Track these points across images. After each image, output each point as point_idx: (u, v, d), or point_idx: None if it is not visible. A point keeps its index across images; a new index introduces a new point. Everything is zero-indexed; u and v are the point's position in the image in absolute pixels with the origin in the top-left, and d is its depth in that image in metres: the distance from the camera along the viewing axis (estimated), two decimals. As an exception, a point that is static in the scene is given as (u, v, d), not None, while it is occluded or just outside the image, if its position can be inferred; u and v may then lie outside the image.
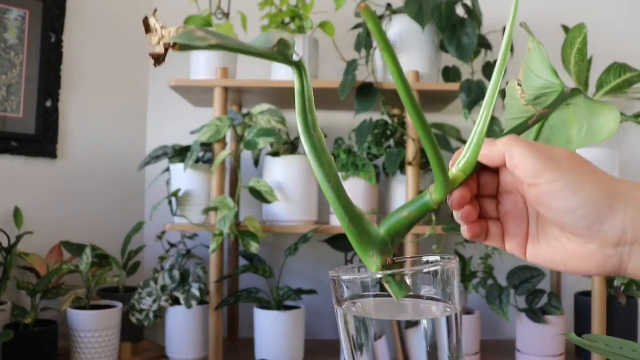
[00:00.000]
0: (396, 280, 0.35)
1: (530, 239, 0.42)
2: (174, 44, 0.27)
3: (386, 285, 0.35)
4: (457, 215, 0.41)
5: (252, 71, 1.85)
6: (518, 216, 0.42)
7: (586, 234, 0.37)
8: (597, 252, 0.37)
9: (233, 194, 1.70)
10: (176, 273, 1.59)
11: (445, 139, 1.66)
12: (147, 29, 0.26)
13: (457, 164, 0.39)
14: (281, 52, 0.34)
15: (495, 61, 1.66)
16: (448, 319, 0.36)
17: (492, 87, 0.38)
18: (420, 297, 0.37)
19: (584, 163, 0.38)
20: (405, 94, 0.32)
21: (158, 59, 0.26)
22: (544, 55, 0.43)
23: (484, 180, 0.42)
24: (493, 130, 1.65)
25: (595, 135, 0.43)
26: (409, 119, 1.58)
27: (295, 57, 0.35)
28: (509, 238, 0.42)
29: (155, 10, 0.27)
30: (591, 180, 0.36)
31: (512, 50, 1.70)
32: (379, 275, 0.36)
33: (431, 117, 1.88)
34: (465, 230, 0.41)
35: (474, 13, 1.60)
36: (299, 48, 1.60)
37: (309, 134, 0.36)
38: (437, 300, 0.36)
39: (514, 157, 0.38)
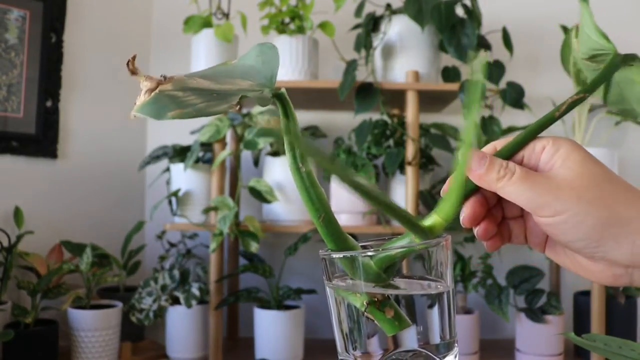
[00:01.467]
0: (386, 318, 0.33)
1: (548, 243, 0.41)
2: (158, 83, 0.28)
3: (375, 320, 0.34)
4: (474, 231, 0.39)
5: (252, 71, 1.85)
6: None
7: (591, 259, 0.36)
8: (607, 271, 0.36)
9: (233, 193, 1.70)
10: (176, 273, 1.59)
11: (445, 139, 1.66)
12: (133, 72, 0.26)
13: (437, 208, 0.37)
14: (259, 99, 0.34)
15: (495, 61, 1.67)
16: (439, 295, 0.35)
17: (469, 128, 0.35)
18: (411, 277, 0.36)
19: (590, 188, 0.35)
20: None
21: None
22: (592, 20, 0.42)
23: None
24: (493, 130, 1.65)
25: None
26: (409, 119, 1.58)
27: (267, 95, 0.34)
28: (530, 237, 0.41)
29: (134, 57, 0.27)
30: (595, 212, 0.34)
31: (511, 50, 1.70)
32: (363, 309, 0.34)
33: (431, 118, 1.89)
34: (486, 246, 0.40)
35: (473, 13, 1.60)
36: (299, 48, 1.60)
37: (297, 170, 0.35)
38: (429, 279, 0.36)
39: (509, 195, 0.36)
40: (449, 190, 0.36)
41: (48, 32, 1.66)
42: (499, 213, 0.41)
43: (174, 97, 0.28)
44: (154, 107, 0.27)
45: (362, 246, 0.37)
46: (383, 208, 0.34)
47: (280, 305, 1.58)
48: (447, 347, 0.35)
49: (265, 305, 1.58)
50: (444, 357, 0.35)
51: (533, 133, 0.38)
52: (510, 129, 1.74)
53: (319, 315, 1.85)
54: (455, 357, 0.36)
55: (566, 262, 0.39)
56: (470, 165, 0.37)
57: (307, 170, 0.35)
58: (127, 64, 0.25)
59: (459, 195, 0.36)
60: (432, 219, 0.36)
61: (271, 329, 1.54)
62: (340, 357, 0.37)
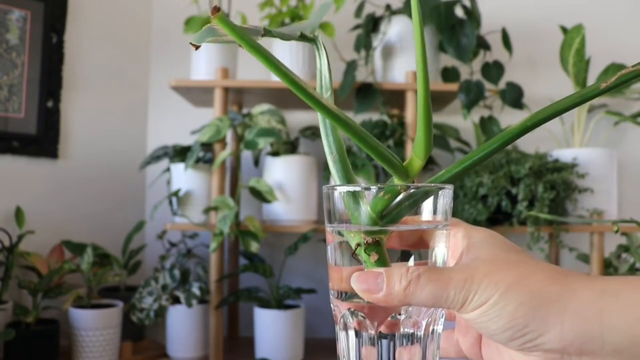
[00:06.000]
0: (370, 261, 0.34)
1: (483, 344, 0.38)
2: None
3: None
4: None
5: (252, 72, 1.86)
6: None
7: (522, 351, 0.32)
8: None
9: (233, 193, 1.70)
10: (177, 272, 1.59)
11: (445, 139, 1.67)
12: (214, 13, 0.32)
13: (413, 150, 0.35)
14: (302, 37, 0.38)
15: (495, 61, 1.67)
16: (440, 233, 0.35)
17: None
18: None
19: (506, 272, 0.32)
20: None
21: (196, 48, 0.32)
22: None
23: None
24: (492, 130, 1.66)
25: None
26: (409, 119, 1.59)
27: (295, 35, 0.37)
28: (462, 340, 0.38)
29: (218, 8, 0.32)
30: (515, 295, 0.31)
31: (510, 50, 1.71)
32: (353, 245, 0.34)
33: (430, 118, 1.89)
34: None
35: (472, 14, 1.60)
36: (299, 49, 1.61)
37: (318, 102, 0.35)
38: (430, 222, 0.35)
39: (423, 302, 0.32)
40: (417, 128, 0.35)
41: (49, 32, 1.66)
42: None
43: (217, 31, 0.32)
44: (201, 35, 0.32)
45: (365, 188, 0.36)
46: (353, 134, 0.32)
47: (280, 305, 1.58)
48: None
49: (265, 304, 1.59)
50: None
51: (573, 104, 0.34)
52: (510, 129, 1.74)
53: (319, 315, 1.85)
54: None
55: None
56: (368, 291, 0.33)
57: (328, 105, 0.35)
58: (211, 11, 0.30)
59: (426, 129, 0.34)
60: (408, 159, 0.35)
61: (271, 329, 1.55)
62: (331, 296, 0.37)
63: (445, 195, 0.35)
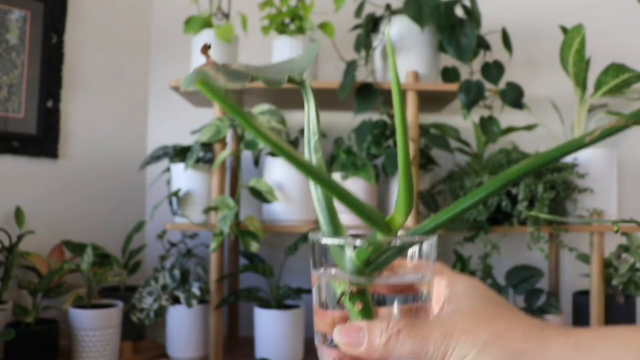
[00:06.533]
0: (354, 310, 0.34)
1: None
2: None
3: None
4: None
5: (253, 71, 1.86)
6: None
7: None
8: None
9: (233, 193, 1.70)
10: (177, 272, 1.60)
11: (445, 139, 1.67)
12: (204, 53, 0.33)
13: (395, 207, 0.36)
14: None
15: (495, 61, 1.67)
16: (411, 288, 0.36)
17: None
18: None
19: (484, 328, 0.33)
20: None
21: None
22: None
23: None
24: (492, 130, 1.66)
25: None
26: (409, 119, 1.59)
27: (283, 81, 0.37)
28: None
29: (209, 46, 0.34)
30: (492, 352, 0.32)
31: (510, 50, 1.71)
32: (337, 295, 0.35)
33: (430, 118, 1.89)
34: None
35: (472, 14, 1.60)
36: (299, 49, 1.61)
37: (307, 144, 0.38)
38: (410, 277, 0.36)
39: (404, 355, 0.33)
40: (398, 191, 0.36)
41: (49, 32, 1.66)
42: None
43: (206, 74, 0.32)
44: (189, 79, 0.33)
45: (352, 235, 0.37)
46: (335, 194, 0.33)
47: (280, 305, 1.58)
48: None
49: (265, 304, 1.59)
50: None
51: (557, 155, 0.35)
52: (510, 129, 1.74)
53: (319, 314, 1.85)
54: None
55: None
56: (349, 344, 0.34)
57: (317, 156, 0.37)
58: (201, 49, 0.31)
59: (407, 192, 0.35)
60: (390, 216, 0.36)
61: (271, 329, 1.55)
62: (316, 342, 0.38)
63: (430, 244, 0.36)
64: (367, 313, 0.35)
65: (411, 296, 0.36)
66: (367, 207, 0.34)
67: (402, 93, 1.63)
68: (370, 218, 0.34)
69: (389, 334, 0.33)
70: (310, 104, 0.39)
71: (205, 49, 0.32)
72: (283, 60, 0.42)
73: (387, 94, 1.61)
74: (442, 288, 0.37)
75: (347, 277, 0.35)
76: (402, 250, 0.35)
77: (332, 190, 0.33)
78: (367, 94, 1.57)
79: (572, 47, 1.61)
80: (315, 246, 0.37)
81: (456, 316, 0.34)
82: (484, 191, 0.35)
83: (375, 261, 0.35)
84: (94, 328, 1.48)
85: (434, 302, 0.37)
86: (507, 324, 0.34)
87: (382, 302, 0.36)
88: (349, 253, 0.35)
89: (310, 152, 0.39)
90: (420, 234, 0.36)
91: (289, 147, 0.31)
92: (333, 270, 0.36)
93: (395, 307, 0.36)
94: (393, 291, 0.36)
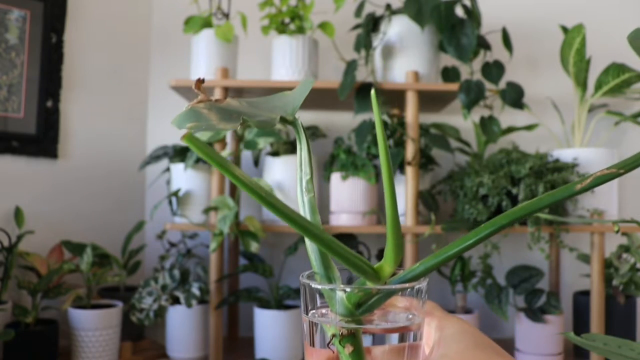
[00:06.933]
0: (345, 353, 0.35)
1: None
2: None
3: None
4: None
5: (252, 71, 1.86)
6: None
7: None
8: None
9: (233, 193, 1.70)
10: (177, 272, 1.59)
11: (445, 139, 1.67)
12: (197, 88, 0.32)
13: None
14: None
15: (495, 61, 1.67)
16: (403, 335, 0.37)
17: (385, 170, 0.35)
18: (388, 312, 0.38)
19: None
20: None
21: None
22: None
23: None
24: (492, 130, 1.66)
25: None
26: (409, 119, 1.59)
27: (275, 121, 0.37)
28: None
29: (202, 80, 0.33)
30: None
31: (511, 50, 1.71)
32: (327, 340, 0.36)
33: (430, 118, 1.89)
34: None
35: (473, 14, 1.60)
36: (299, 49, 1.61)
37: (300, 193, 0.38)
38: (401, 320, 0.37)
39: None
40: (386, 241, 0.36)
41: (48, 32, 1.66)
42: None
43: (198, 113, 0.32)
44: (181, 118, 0.32)
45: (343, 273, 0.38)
46: (316, 242, 0.33)
47: (280, 305, 1.58)
48: None
49: (265, 305, 1.58)
50: None
51: (550, 202, 0.35)
52: (510, 129, 1.74)
53: (319, 315, 1.85)
54: None
55: None
56: None
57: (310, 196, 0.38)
58: (195, 84, 0.30)
59: (395, 242, 0.36)
60: (379, 264, 0.36)
61: (271, 329, 1.55)
62: None
63: (421, 288, 0.37)
64: (358, 356, 0.35)
65: (402, 335, 0.37)
66: (355, 257, 0.34)
67: (402, 92, 1.60)
68: (359, 267, 0.35)
69: None
70: (302, 145, 0.39)
71: (199, 84, 0.32)
72: (277, 95, 0.42)
73: (388, 93, 1.61)
74: (433, 329, 0.38)
75: (338, 320, 0.35)
76: (392, 294, 0.36)
77: (321, 243, 0.33)
78: (367, 94, 1.57)
79: (573, 46, 1.61)
80: (306, 289, 0.37)
81: (442, 357, 0.35)
82: (473, 237, 0.36)
83: (367, 302, 0.35)
84: (94, 328, 1.48)
85: (424, 342, 0.38)
86: None
87: (373, 340, 0.37)
88: (340, 294, 0.35)
89: (302, 193, 0.39)
90: (411, 277, 0.36)
91: (277, 200, 0.31)
92: (324, 311, 0.37)
93: (387, 348, 0.37)
94: (385, 331, 0.37)
